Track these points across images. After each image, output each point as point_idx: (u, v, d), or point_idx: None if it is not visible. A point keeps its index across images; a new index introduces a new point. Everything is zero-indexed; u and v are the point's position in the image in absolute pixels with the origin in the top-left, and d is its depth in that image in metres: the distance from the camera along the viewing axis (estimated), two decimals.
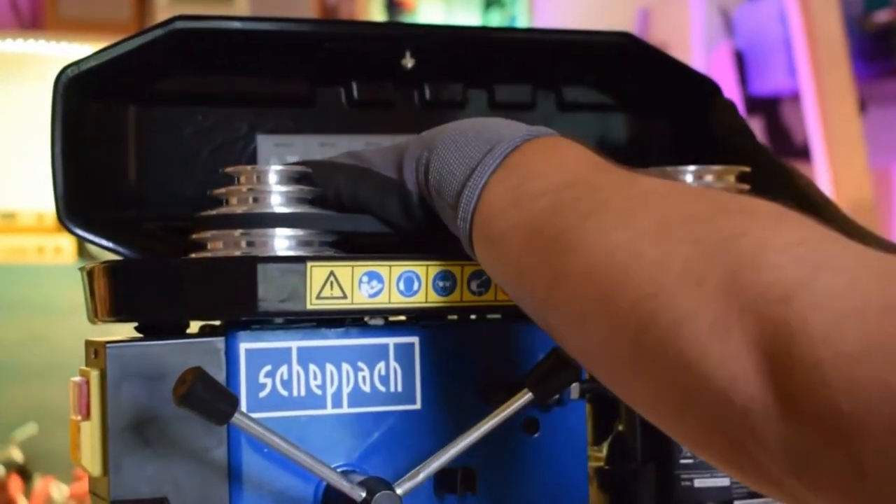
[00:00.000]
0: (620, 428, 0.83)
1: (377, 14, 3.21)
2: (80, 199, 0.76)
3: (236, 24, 0.80)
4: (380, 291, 0.69)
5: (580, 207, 0.60)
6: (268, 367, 0.69)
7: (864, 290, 0.49)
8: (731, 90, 2.74)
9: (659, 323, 0.54)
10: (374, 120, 0.85)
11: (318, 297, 0.68)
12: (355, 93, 0.85)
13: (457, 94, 0.86)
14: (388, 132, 0.85)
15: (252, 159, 0.83)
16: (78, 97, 0.76)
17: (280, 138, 0.84)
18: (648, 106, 0.91)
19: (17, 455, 2.66)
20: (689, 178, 0.81)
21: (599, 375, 0.61)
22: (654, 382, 0.55)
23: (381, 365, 0.71)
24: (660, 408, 0.56)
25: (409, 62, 0.83)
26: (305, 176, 0.73)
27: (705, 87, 0.90)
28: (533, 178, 0.64)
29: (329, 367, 0.70)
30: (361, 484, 0.67)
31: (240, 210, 0.71)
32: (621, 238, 0.57)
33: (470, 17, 3.40)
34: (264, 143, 0.83)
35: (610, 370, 0.59)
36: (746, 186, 0.81)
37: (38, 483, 2.61)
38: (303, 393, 0.69)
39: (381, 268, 0.69)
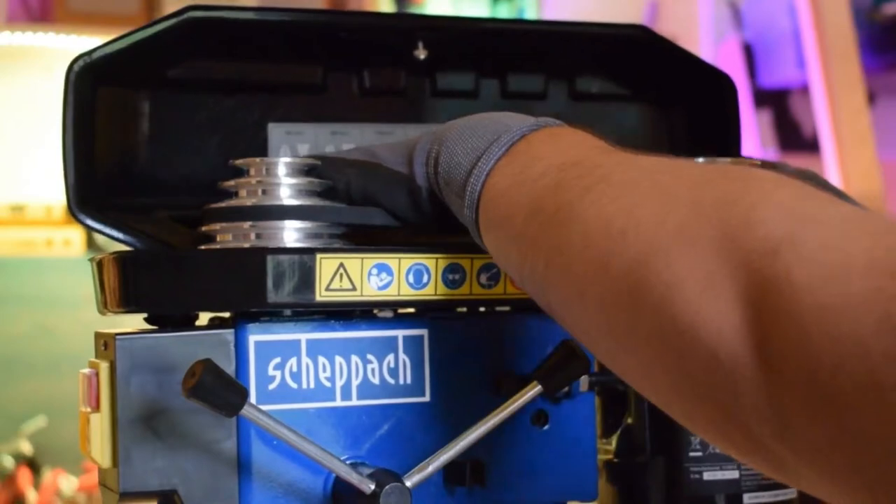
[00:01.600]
0: (630, 421, 0.82)
1: (386, 6, 3.20)
2: (91, 189, 0.76)
3: (250, 15, 0.80)
4: (389, 284, 0.69)
5: (581, 183, 0.60)
6: (277, 360, 0.69)
7: (852, 244, 0.48)
8: (739, 83, 2.74)
9: (653, 286, 0.53)
10: (385, 108, 0.85)
11: (327, 289, 0.68)
12: (367, 81, 0.84)
13: (469, 84, 0.86)
14: (399, 121, 0.85)
15: (263, 147, 0.83)
16: (89, 87, 0.76)
17: (291, 126, 0.83)
18: (661, 98, 0.91)
19: (26, 447, 2.67)
20: None
21: (597, 352, 0.61)
22: (649, 352, 0.55)
23: (391, 357, 0.71)
24: (656, 379, 0.56)
25: (421, 53, 0.83)
26: (314, 168, 0.73)
27: (718, 80, 0.89)
28: (537, 161, 0.64)
29: (338, 359, 0.70)
30: (371, 476, 0.67)
31: (249, 202, 0.71)
32: (620, 206, 0.57)
33: (478, 9, 3.39)
34: (275, 130, 0.83)
35: (607, 344, 0.59)
36: None
37: (48, 475, 2.62)
38: (312, 385, 0.69)
39: (391, 260, 0.69)
